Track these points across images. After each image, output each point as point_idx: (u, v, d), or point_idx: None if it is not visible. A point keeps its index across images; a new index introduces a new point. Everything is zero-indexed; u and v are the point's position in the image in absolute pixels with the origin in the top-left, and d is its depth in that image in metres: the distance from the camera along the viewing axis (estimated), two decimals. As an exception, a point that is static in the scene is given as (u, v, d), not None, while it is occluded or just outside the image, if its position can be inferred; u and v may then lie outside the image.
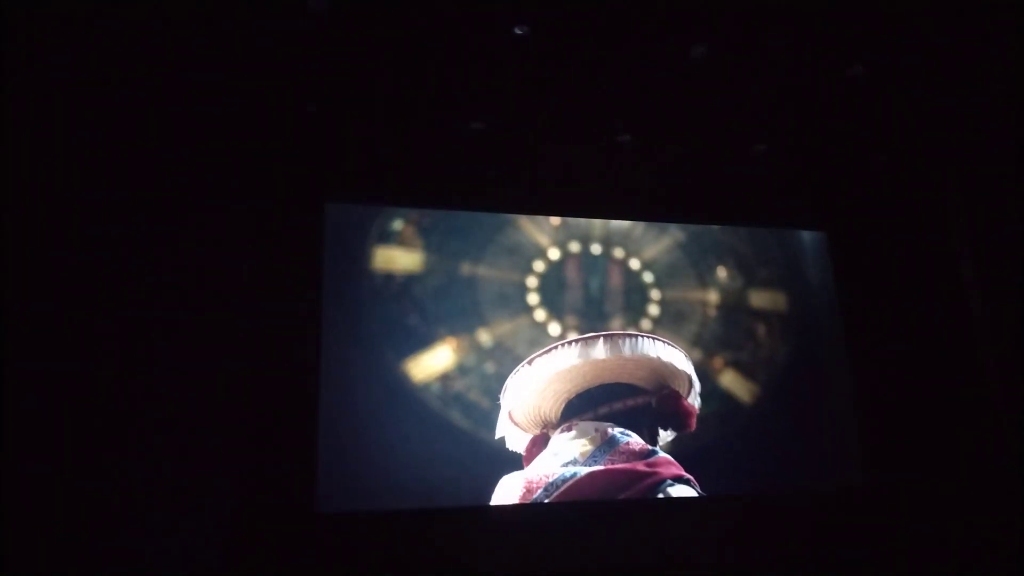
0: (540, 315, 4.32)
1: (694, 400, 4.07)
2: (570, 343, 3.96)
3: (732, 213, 4.96)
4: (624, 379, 3.95)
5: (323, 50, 3.61)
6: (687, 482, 3.83)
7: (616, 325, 4.37)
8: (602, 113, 4.25)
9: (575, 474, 3.72)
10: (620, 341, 3.97)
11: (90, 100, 3.82)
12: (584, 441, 3.80)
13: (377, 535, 3.82)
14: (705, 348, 4.52)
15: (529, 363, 3.94)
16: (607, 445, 3.78)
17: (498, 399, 3.98)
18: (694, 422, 4.01)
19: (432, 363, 4.08)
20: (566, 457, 3.79)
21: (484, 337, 4.19)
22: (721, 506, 4.18)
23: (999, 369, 4.72)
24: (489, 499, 3.88)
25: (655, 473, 3.73)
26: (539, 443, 3.93)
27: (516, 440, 3.96)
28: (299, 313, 4.06)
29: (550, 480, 3.73)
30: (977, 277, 4.93)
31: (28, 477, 3.37)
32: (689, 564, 4.02)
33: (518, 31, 3.53)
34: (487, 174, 4.55)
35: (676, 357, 4.03)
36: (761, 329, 4.68)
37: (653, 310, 4.51)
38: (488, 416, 4.00)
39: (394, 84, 3.89)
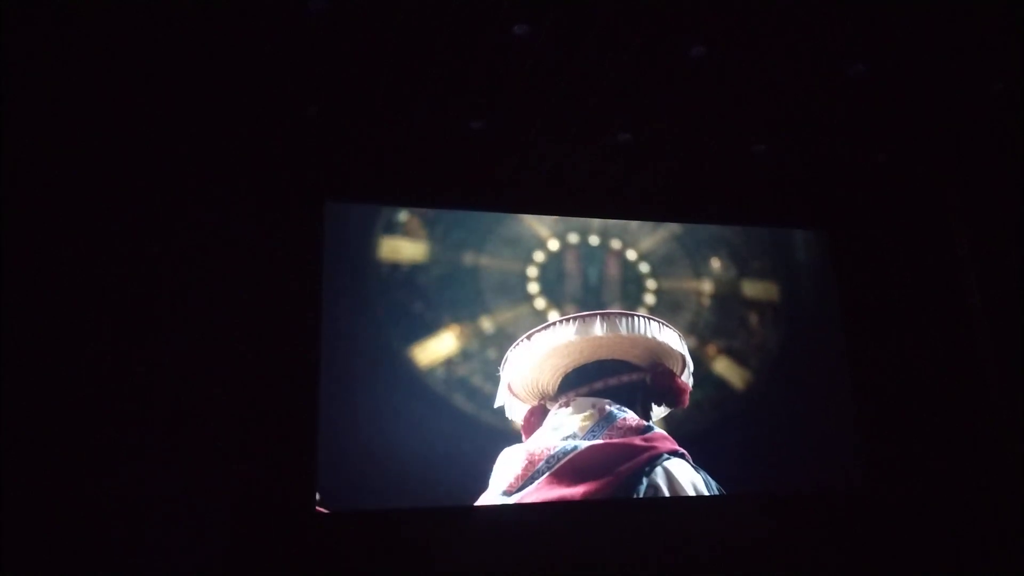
0: (540, 303, 4.45)
1: (687, 379, 4.18)
2: (569, 320, 4.08)
3: (731, 213, 4.97)
4: (619, 356, 4.05)
5: (323, 50, 3.61)
6: (682, 456, 3.93)
7: (614, 314, 4.46)
8: (602, 113, 4.25)
9: (576, 447, 3.82)
10: (617, 320, 4.09)
11: (91, 100, 3.82)
12: (583, 416, 3.91)
13: (377, 534, 3.83)
14: (699, 336, 4.64)
15: (528, 338, 4.04)
16: (605, 421, 3.88)
17: (498, 377, 4.09)
18: (687, 399, 4.14)
19: (437, 349, 4.21)
20: (566, 431, 3.89)
21: (486, 324, 4.32)
22: (715, 504, 4.19)
23: (999, 366, 4.73)
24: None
25: (652, 447, 3.84)
26: (537, 414, 4.03)
27: (515, 410, 4.07)
28: (300, 311, 4.06)
29: (551, 452, 3.82)
30: (977, 276, 4.93)
31: (28, 476, 3.37)
32: (685, 562, 4.03)
33: (518, 31, 3.53)
34: (487, 174, 4.56)
35: (671, 337, 4.14)
36: (754, 317, 4.80)
37: (649, 299, 4.65)
38: (490, 400, 4.11)
39: (394, 84, 3.89)
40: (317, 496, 3.79)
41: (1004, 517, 4.40)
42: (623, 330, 4.05)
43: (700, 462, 4.04)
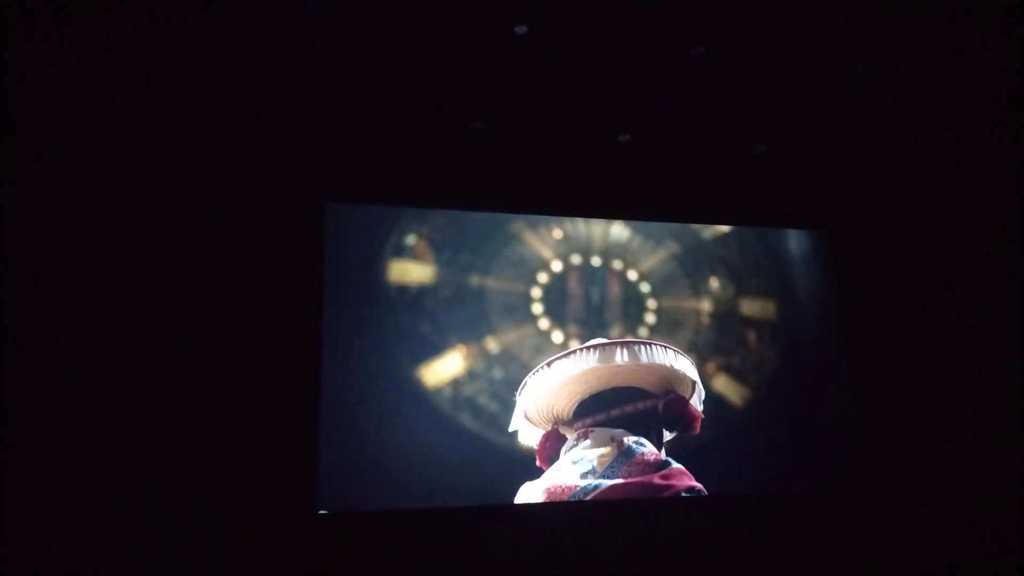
0: (544, 324, 4.50)
1: (698, 404, 4.26)
2: (590, 348, 4.20)
3: (731, 213, 4.97)
4: (635, 383, 4.16)
5: (323, 50, 3.61)
6: (699, 492, 4.05)
7: (615, 333, 4.53)
8: (602, 113, 4.25)
9: (597, 486, 3.90)
10: (637, 348, 4.21)
11: (91, 100, 3.83)
12: (601, 451, 3.98)
13: (378, 535, 3.83)
14: (699, 354, 4.67)
15: (548, 365, 4.15)
16: (624, 456, 3.96)
17: (511, 399, 4.18)
18: (699, 425, 4.21)
19: (444, 369, 4.26)
20: (585, 467, 3.97)
21: (492, 345, 4.37)
22: (717, 506, 4.19)
23: (999, 366, 4.73)
24: (496, 499, 4.00)
25: (670, 486, 3.96)
26: (552, 438, 4.09)
27: (529, 435, 4.13)
28: (300, 313, 4.06)
29: (572, 492, 3.90)
30: (977, 276, 4.93)
31: (28, 476, 3.37)
32: (685, 563, 4.03)
33: (518, 31, 3.53)
34: (487, 174, 4.56)
35: (686, 365, 4.27)
36: (752, 335, 4.82)
37: (650, 318, 4.69)
38: (496, 419, 4.17)
39: (394, 84, 3.89)
40: (325, 512, 3.79)
41: (1004, 517, 4.40)
42: (644, 359, 4.16)
43: (703, 469, 4.09)
